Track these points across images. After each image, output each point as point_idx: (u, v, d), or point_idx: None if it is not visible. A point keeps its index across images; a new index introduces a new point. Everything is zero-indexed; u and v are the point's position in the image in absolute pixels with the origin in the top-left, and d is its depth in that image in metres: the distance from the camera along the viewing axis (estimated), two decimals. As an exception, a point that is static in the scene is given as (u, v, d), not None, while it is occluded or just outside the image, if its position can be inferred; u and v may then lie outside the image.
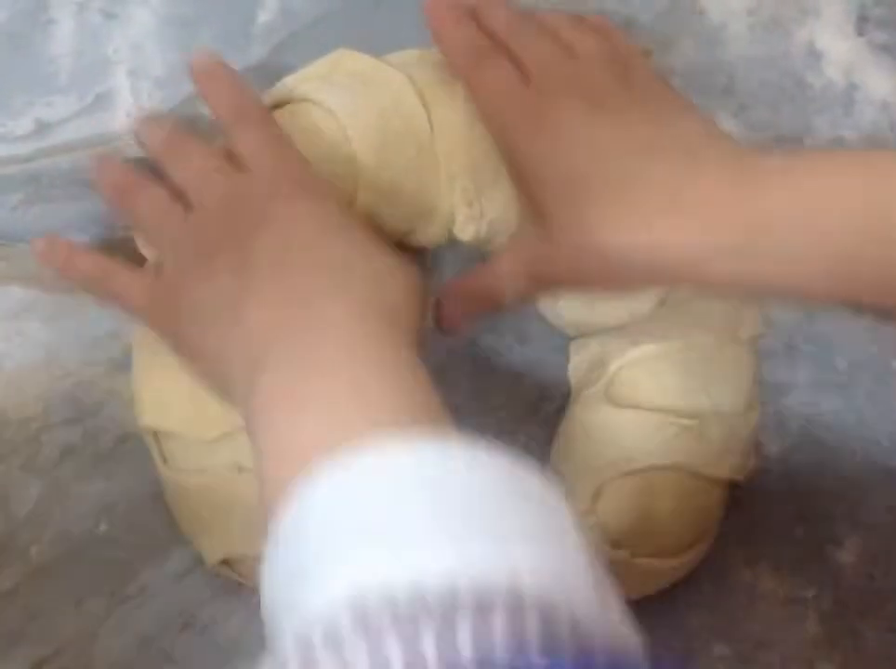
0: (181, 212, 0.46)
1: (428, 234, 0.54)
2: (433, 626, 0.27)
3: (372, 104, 0.51)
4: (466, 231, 0.54)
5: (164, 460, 0.51)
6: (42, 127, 0.55)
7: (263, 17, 0.58)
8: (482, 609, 0.28)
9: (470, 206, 0.53)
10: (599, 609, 0.30)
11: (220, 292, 0.43)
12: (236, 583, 0.53)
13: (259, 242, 0.43)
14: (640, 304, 0.52)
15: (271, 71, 0.56)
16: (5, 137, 0.55)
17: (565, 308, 0.55)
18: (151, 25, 0.57)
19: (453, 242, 0.53)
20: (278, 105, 0.52)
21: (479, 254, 0.55)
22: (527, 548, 0.31)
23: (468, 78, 0.49)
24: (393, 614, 0.28)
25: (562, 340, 0.56)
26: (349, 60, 0.54)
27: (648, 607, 0.54)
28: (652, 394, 0.51)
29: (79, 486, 0.52)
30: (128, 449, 0.53)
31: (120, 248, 0.53)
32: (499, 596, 0.28)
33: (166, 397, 0.50)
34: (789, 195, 0.42)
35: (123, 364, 0.53)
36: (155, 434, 0.51)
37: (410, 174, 0.52)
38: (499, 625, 0.27)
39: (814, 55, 0.61)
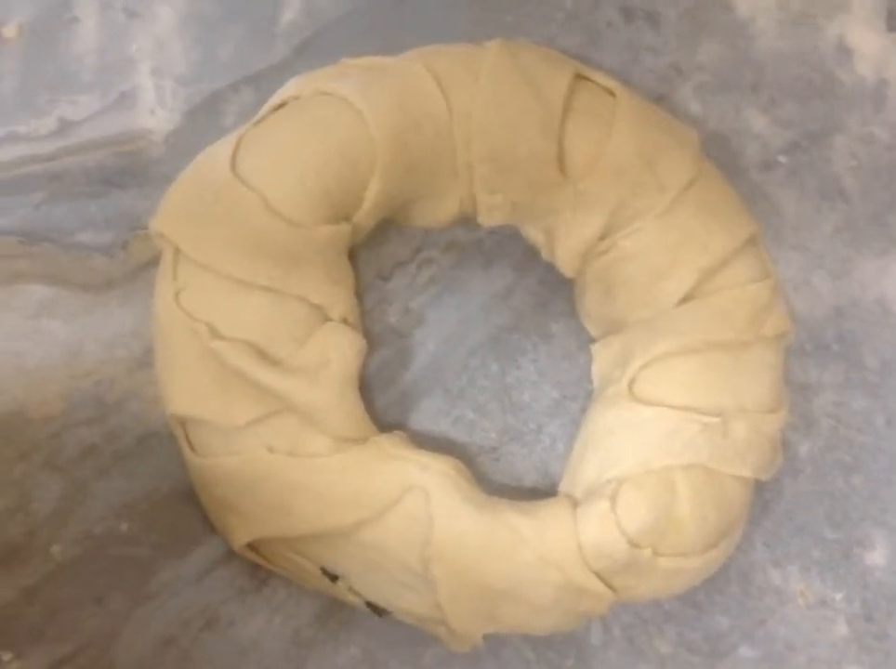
0: None
1: (435, 216, 0.54)
2: None
3: (388, 89, 0.51)
4: (492, 218, 0.53)
5: (192, 448, 0.51)
6: (65, 126, 0.55)
7: (287, 15, 0.58)
8: None
9: (492, 194, 0.52)
10: None
11: None
12: (258, 582, 0.53)
13: None
14: (664, 299, 0.51)
15: (295, 70, 0.56)
16: (28, 135, 0.55)
17: (590, 303, 0.54)
18: (174, 23, 0.57)
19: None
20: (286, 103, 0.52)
21: (467, 234, 0.56)
22: None
23: None
24: None
25: (586, 338, 0.55)
26: (357, 62, 0.53)
27: (674, 607, 0.54)
28: (674, 391, 0.50)
29: (100, 484, 0.52)
30: (150, 447, 0.53)
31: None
32: None
33: (195, 384, 0.49)
34: None
35: (144, 362, 0.53)
36: (183, 422, 0.51)
37: (426, 158, 0.51)
38: None
39: (844, 50, 0.60)
